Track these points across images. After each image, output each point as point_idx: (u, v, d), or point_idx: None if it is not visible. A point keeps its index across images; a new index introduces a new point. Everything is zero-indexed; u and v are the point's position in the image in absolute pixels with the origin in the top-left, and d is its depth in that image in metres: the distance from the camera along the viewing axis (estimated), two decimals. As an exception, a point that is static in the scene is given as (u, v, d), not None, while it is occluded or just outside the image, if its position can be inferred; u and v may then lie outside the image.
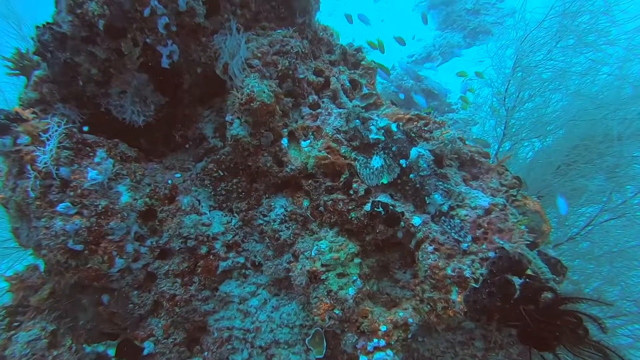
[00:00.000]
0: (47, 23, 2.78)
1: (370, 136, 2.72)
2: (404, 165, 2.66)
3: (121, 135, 3.08)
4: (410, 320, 2.52)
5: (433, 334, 2.64)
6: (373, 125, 2.74)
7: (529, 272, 2.37)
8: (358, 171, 2.72)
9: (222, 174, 2.99)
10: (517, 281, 2.23)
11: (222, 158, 2.98)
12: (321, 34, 3.41)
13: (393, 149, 2.69)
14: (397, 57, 11.97)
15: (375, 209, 2.55)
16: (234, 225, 3.07)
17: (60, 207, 2.64)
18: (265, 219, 2.95)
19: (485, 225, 2.51)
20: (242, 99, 2.61)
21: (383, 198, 2.67)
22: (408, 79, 8.72)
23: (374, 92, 3.41)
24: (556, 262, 2.46)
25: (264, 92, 2.65)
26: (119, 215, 2.76)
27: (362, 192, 2.65)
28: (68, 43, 2.71)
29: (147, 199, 2.90)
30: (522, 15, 4.11)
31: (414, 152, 2.66)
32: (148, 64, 2.81)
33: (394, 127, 2.74)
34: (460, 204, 2.63)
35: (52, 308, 3.01)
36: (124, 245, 2.79)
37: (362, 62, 3.49)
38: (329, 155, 2.72)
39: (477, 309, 2.24)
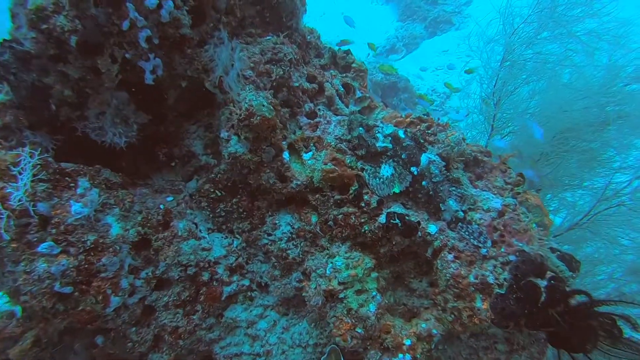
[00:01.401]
0: (5, 41, 2.45)
1: (377, 144, 2.62)
2: (415, 173, 2.58)
3: (100, 160, 2.80)
4: (435, 331, 2.47)
5: (455, 342, 2.61)
6: (379, 132, 2.64)
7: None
8: (367, 182, 2.61)
9: (220, 194, 2.78)
10: (541, 283, 2.23)
11: (218, 177, 2.77)
12: (309, 37, 3.25)
13: (402, 156, 2.60)
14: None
15: (392, 220, 2.46)
16: (236, 247, 2.88)
17: (41, 248, 2.35)
18: (270, 238, 2.78)
19: (502, 228, 2.49)
20: (240, 115, 2.42)
21: (397, 208, 2.58)
22: (377, 72, 8.73)
23: (367, 94, 3.31)
24: (570, 257, 2.49)
25: (264, 106, 2.47)
26: (111, 249, 2.51)
27: (375, 204, 2.55)
28: (34, 63, 2.40)
29: (140, 228, 2.65)
30: (509, 9, 4.15)
31: (424, 158, 2.59)
32: (128, 80, 2.55)
33: (401, 134, 2.65)
34: (472, 207, 2.59)
35: (38, 358, 2.71)
36: (119, 282, 2.54)
37: (353, 65, 3.37)
38: (337, 168, 2.59)
39: (506, 316, 2.22)
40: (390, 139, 2.63)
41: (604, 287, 4.22)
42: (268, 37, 2.84)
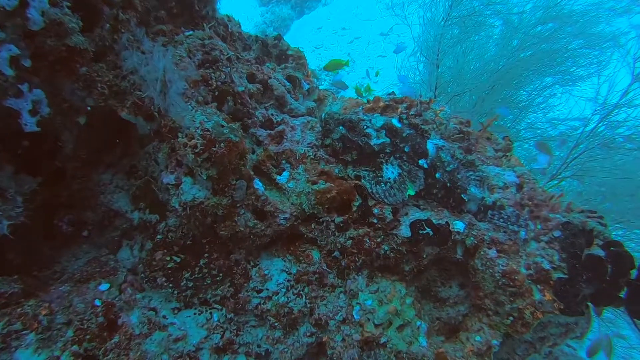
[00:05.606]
0: None
1: (372, 142, 2.09)
2: (425, 166, 2.12)
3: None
4: (494, 342, 2.09)
5: (506, 341, 2.27)
6: (369, 127, 2.10)
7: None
8: (370, 191, 2.08)
9: (179, 259, 1.99)
10: (599, 253, 1.98)
11: (170, 237, 1.98)
12: (230, 26, 2.54)
13: (405, 149, 2.11)
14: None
15: (420, 231, 1.97)
16: (219, 320, 2.13)
17: None
18: (262, 295, 2.09)
19: (529, 203, 2.19)
20: (197, 146, 1.68)
21: (417, 214, 2.10)
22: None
23: (314, 85, 2.75)
24: (596, 214, 2.31)
25: (223, 127, 1.76)
26: (39, 399, 1.60)
27: (390, 216, 2.03)
28: None
29: (76, 347, 1.76)
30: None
31: (430, 146, 2.14)
32: (-7, 134, 1.62)
33: (395, 123, 2.15)
34: (488, 187, 2.24)
35: None
36: None
37: (289, 52, 2.75)
38: (332, 185, 2.01)
39: (580, 301, 1.92)
40: (384, 131, 2.11)
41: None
42: (189, 32, 2.09)
